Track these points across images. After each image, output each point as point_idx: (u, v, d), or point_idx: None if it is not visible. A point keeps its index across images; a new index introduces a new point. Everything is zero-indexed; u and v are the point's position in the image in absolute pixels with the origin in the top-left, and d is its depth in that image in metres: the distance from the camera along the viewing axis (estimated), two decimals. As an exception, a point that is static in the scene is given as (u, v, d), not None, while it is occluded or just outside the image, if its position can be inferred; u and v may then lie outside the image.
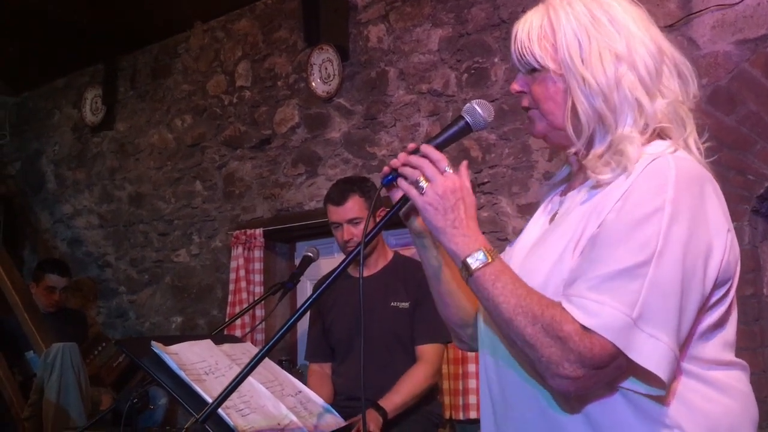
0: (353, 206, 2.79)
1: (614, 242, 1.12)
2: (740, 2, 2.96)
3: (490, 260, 1.18)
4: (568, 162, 1.39)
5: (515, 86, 1.32)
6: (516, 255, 1.34)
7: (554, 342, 1.10)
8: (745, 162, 2.86)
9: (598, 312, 1.08)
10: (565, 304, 1.12)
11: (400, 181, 1.27)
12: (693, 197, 1.14)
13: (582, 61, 1.21)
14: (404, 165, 1.27)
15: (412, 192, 1.25)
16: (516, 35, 1.29)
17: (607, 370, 1.09)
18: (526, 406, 1.21)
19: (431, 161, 1.25)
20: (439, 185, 1.23)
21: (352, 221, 2.79)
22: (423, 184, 1.24)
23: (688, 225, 1.11)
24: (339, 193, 2.83)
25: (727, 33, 2.99)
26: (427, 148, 1.28)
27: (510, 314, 1.14)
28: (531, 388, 1.20)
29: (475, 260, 1.19)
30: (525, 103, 1.32)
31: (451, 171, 1.25)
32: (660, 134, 1.24)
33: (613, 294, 1.09)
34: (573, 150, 1.28)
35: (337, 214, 2.81)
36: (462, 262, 1.20)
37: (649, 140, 1.22)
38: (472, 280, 1.19)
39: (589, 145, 1.25)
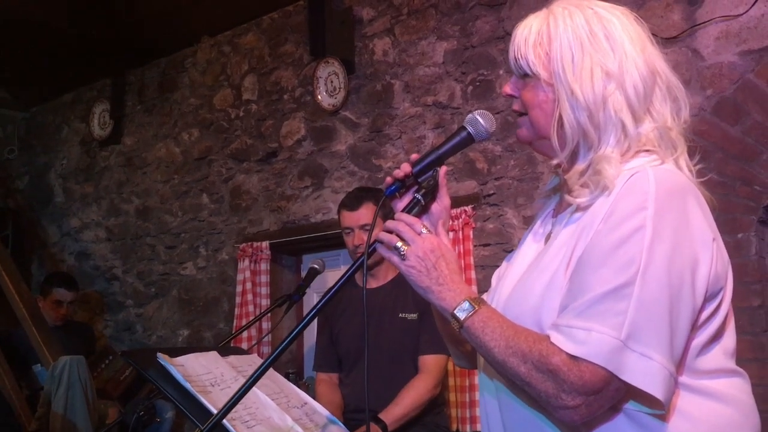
0: (366, 212, 2.86)
1: (598, 265, 1.12)
2: (744, 13, 2.96)
3: (476, 308, 1.20)
4: (555, 172, 1.39)
5: (506, 89, 1.33)
6: (511, 276, 1.34)
7: (546, 376, 1.10)
8: (751, 172, 2.85)
9: (585, 339, 1.08)
10: (553, 335, 1.12)
11: (380, 248, 1.30)
12: (674, 211, 1.13)
13: (573, 74, 1.21)
14: (381, 231, 1.29)
15: (394, 258, 1.27)
16: (515, 37, 1.29)
17: (605, 394, 1.09)
18: None
19: (407, 224, 1.28)
20: (418, 247, 1.26)
21: (364, 227, 2.84)
22: (402, 248, 1.26)
23: (671, 240, 1.11)
24: (353, 199, 2.92)
25: (731, 44, 2.99)
26: (402, 215, 1.31)
27: (502, 356, 1.15)
28: (533, 417, 1.20)
29: (462, 311, 1.21)
30: (516, 107, 1.32)
31: (427, 231, 1.28)
32: (646, 152, 1.22)
33: (600, 318, 1.08)
34: (556, 161, 1.28)
35: (350, 218, 2.87)
36: (451, 315, 1.22)
37: (632, 158, 1.21)
38: (463, 330, 1.21)
39: (573, 159, 1.25)
